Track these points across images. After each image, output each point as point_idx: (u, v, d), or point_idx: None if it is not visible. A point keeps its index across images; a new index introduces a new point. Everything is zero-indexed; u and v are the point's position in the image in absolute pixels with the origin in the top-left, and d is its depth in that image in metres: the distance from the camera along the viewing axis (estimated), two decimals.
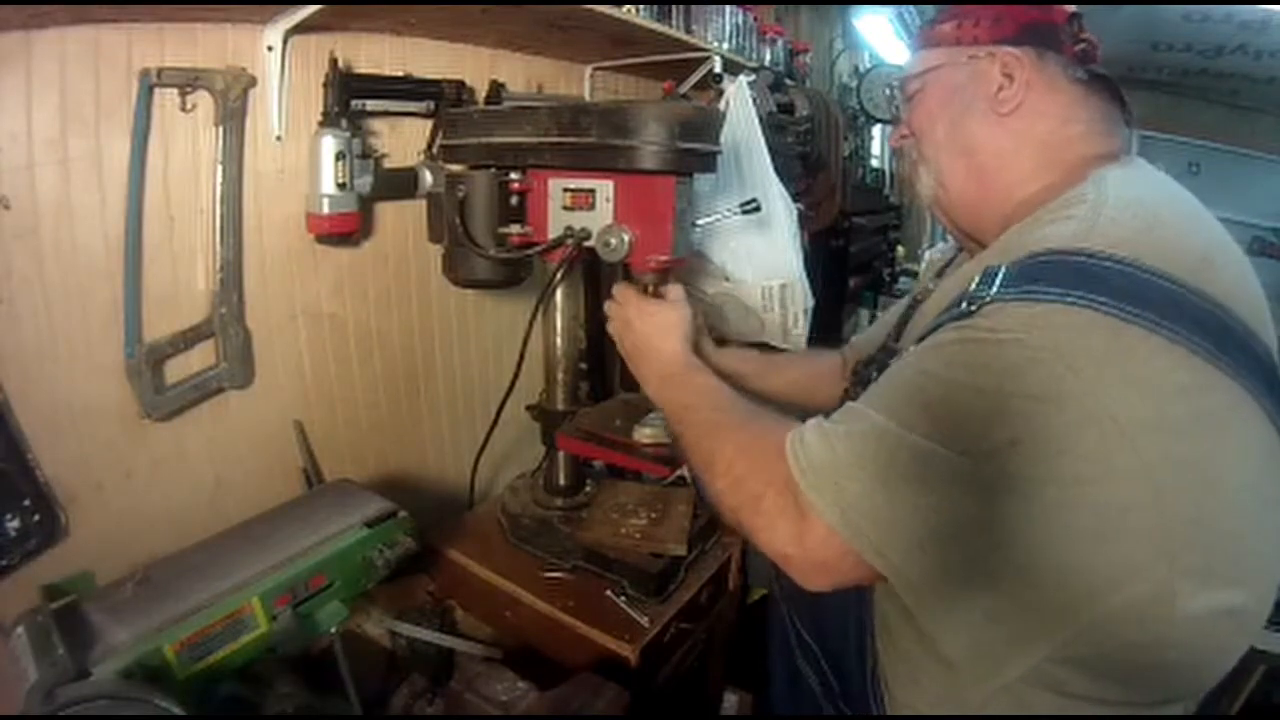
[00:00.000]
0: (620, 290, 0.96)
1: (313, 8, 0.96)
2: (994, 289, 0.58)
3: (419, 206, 1.21)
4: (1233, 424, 0.54)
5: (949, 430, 0.55)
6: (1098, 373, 0.52)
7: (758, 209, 1.07)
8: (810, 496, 0.59)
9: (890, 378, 0.64)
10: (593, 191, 0.92)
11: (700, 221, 0.99)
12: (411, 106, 1.21)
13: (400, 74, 1.21)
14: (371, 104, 1.15)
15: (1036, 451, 0.53)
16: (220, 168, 1.00)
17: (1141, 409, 0.52)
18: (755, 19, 1.88)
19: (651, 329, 0.91)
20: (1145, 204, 0.61)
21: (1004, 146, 0.74)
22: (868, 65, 3.15)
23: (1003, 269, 0.58)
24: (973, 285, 0.60)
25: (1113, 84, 0.74)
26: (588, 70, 1.63)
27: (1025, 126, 0.73)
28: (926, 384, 0.59)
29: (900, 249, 3.51)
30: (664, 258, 0.90)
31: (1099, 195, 0.61)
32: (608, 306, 0.98)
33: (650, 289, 0.94)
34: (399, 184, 1.20)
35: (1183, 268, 0.55)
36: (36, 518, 0.87)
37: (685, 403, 0.82)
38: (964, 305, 0.59)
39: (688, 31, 1.50)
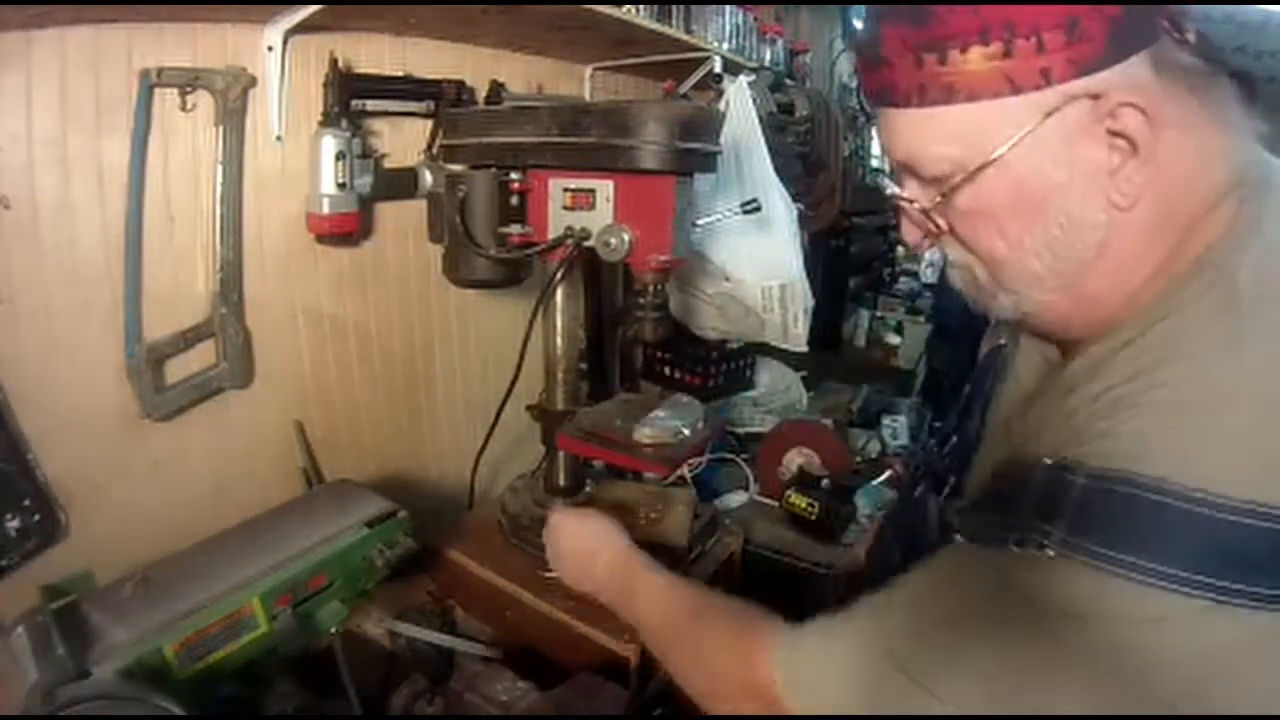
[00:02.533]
0: (548, 524, 0.94)
1: (313, 8, 0.96)
2: (1059, 529, 0.43)
3: (419, 206, 1.21)
4: None
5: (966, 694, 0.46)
6: None
7: (758, 209, 1.07)
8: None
9: (916, 598, 0.53)
10: (593, 191, 0.92)
11: (700, 221, 0.99)
12: (411, 106, 1.21)
13: (400, 74, 1.21)
14: (371, 104, 1.15)
15: None
16: (220, 168, 1.00)
17: None
18: (755, 19, 1.88)
19: (585, 544, 0.89)
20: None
21: (1128, 252, 0.49)
22: None
23: (1079, 485, 0.43)
24: (1039, 481, 0.46)
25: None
26: (588, 70, 1.63)
27: (1152, 210, 0.48)
28: (955, 638, 0.48)
29: (900, 249, 3.51)
30: (664, 258, 0.90)
31: (1231, 352, 0.41)
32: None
33: (654, 288, 0.94)
34: (399, 184, 1.20)
35: None
36: (36, 518, 0.87)
37: (637, 611, 0.78)
38: (1034, 529, 0.45)
39: (688, 32, 1.50)
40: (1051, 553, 0.43)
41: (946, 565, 0.53)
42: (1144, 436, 0.42)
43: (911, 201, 0.55)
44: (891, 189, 0.57)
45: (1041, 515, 0.44)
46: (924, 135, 0.51)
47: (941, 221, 0.54)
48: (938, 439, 0.92)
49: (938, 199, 0.52)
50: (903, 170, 0.55)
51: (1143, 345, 0.46)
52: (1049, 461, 0.46)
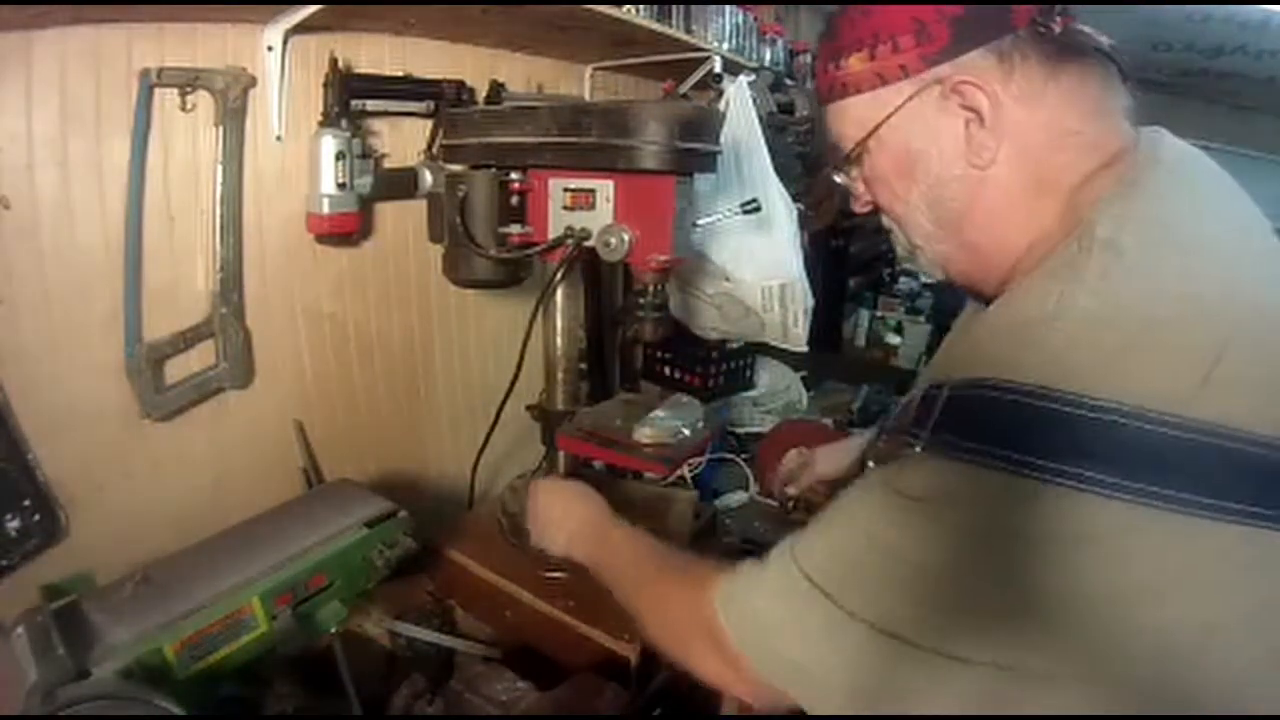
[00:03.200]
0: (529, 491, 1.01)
1: (313, 8, 0.96)
2: (927, 430, 0.52)
3: (419, 206, 1.21)
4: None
5: (864, 598, 0.54)
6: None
7: (758, 209, 1.07)
8: (738, 649, 0.61)
9: (827, 522, 0.60)
10: (593, 191, 0.92)
11: (700, 221, 0.99)
12: (411, 106, 1.21)
13: (400, 74, 1.21)
14: (371, 104, 1.14)
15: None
16: (220, 168, 1.00)
17: None
18: (755, 19, 1.88)
19: (561, 502, 0.97)
20: (1137, 291, 0.49)
21: (995, 205, 0.60)
22: None
23: (944, 395, 0.52)
24: (917, 400, 0.56)
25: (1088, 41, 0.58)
26: (588, 70, 1.63)
27: (1012, 168, 0.58)
28: (850, 545, 0.57)
29: (900, 249, 3.50)
30: (664, 257, 0.90)
31: (1074, 285, 0.50)
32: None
33: (654, 288, 0.94)
34: (399, 184, 1.20)
35: (1169, 396, 0.45)
36: (36, 518, 0.87)
37: (606, 561, 0.86)
38: (910, 435, 0.54)
39: (688, 31, 1.50)
40: (919, 449, 0.52)
41: (853, 491, 0.60)
42: (983, 351, 0.53)
43: (845, 179, 0.69)
44: (830, 172, 0.70)
45: (917, 424, 0.54)
46: (836, 123, 0.66)
47: (866, 194, 0.68)
48: None
49: (853, 173, 0.67)
50: (833, 154, 0.68)
51: (1011, 290, 0.56)
52: (927, 386, 0.56)
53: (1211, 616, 0.46)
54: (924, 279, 2.95)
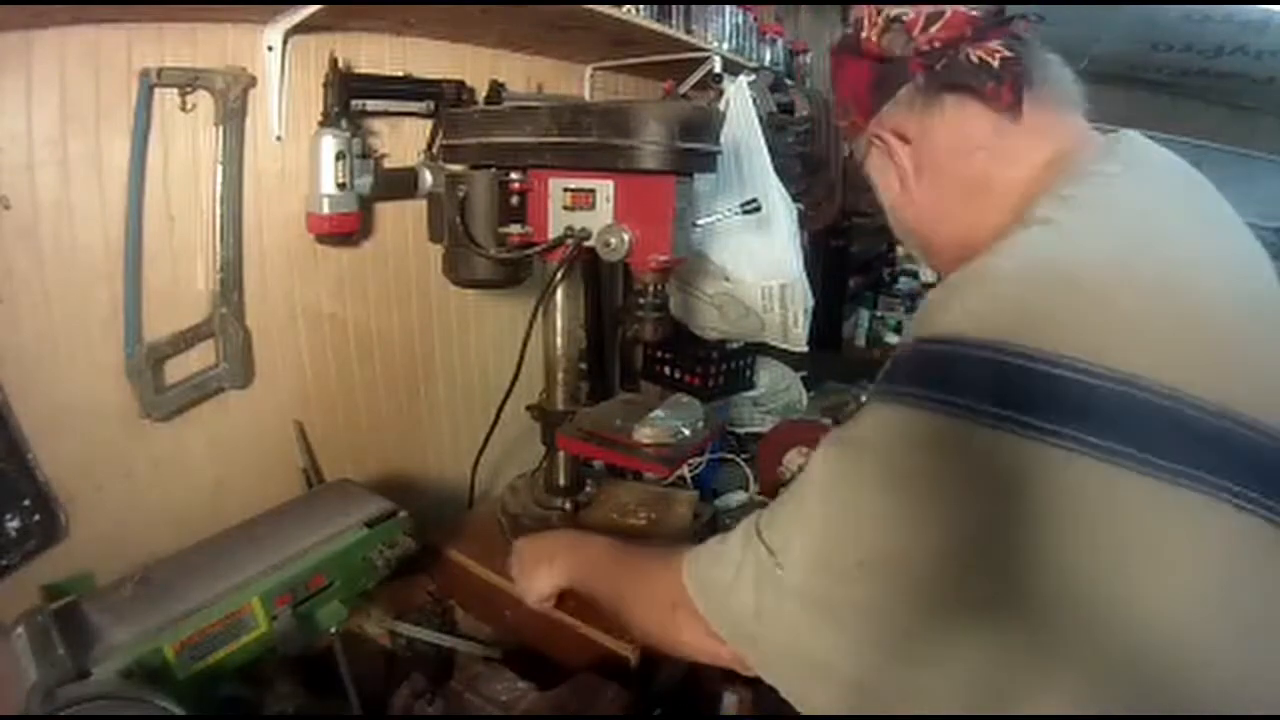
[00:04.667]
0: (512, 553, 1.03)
1: (313, 8, 0.96)
2: (879, 378, 0.58)
3: (419, 206, 1.21)
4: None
5: (804, 555, 0.58)
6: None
7: (758, 209, 1.07)
8: (704, 614, 0.65)
9: (789, 488, 0.64)
10: (593, 191, 0.92)
11: (700, 221, 0.99)
12: (411, 106, 1.21)
13: (400, 74, 1.21)
14: (371, 104, 1.14)
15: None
16: (220, 168, 1.00)
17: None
18: (755, 19, 1.88)
19: (543, 545, 1.00)
20: (1061, 256, 0.54)
21: (934, 216, 0.72)
22: None
23: (893, 359, 0.58)
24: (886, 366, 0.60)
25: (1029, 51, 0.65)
26: (588, 70, 1.63)
27: (935, 186, 0.70)
28: (802, 501, 0.61)
29: (900, 249, 3.51)
30: (664, 258, 0.90)
31: (997, 254, 0.56)
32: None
33: (654, 288, 0.94)
34: (399, 184, 1.20)
35: (1085, 347, 0.49)
36: (36, 518, 0.87)
37: (590, 573, 0.91)
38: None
39: (688, 31, 1.50)
40: (864, 396, 0.62)
41: (814, 454, 0.63)
42: (918, 318, 0.60)
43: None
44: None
45: (872, 380, 0.61)
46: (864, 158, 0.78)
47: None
48: None
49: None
50: None
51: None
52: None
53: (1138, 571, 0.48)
54: (924, 279, 2.96)
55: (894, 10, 0.67)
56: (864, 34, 0.69)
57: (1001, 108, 0.64)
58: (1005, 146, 0.65)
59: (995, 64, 0.63)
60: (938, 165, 0.69)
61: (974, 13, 0.65)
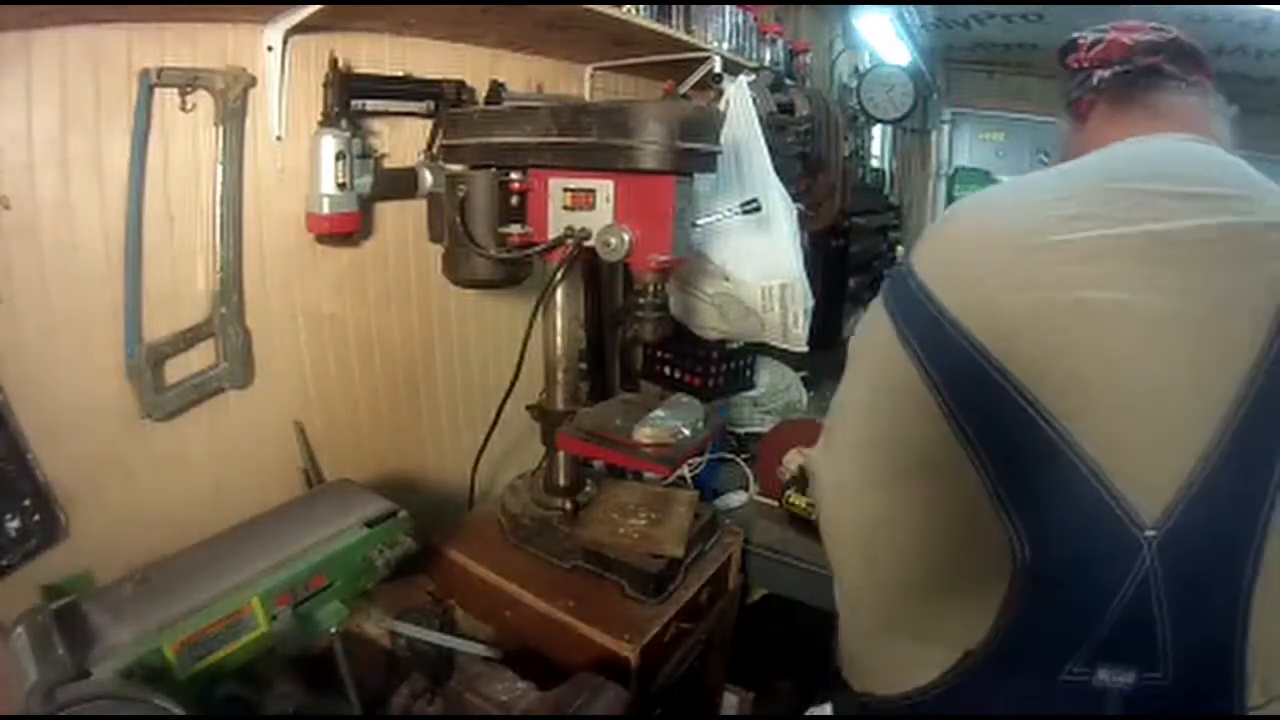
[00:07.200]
0: None
1: (313, 8, 0.96)
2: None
3: (419, 206, 1.21)
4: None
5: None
6: None
7: (758, 209, 1.07)
8: None
9: None
10: (593, 191, 0.92)
11: (700, 221, 0.99)
12: (411, 106, 1.21)
13: (400, 74, 1.21)
14: (371, 104, 1.15)
15: None
16: (220, 168, 1.00)
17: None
18: (755, 19, 1.88)
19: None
20: (957, 208, 0.78)
21: None
22: (868, 65, 3.15)
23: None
24: None
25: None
26: (588, 70, 1.63)
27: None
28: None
29: (900, 249, 3.51)
30: (664, 258, 0.90)
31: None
32: None
33: (654, 288, 0.94)
34: (399, 184, 1.20)
35: (928, 272, 0.71)
36: (36, 518, 0.87)
37: None
38: None
39: (688, 31, 1.50)
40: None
41: None
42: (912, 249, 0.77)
43: None
44: None
45: None
46: None
47: None
48: None
49: None
50: None
51: None
52: None
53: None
54: None
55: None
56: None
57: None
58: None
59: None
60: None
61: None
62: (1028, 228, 0.67)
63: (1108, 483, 0.61)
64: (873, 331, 0.75)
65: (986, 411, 0.65)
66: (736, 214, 1.06)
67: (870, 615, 0.80)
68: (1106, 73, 0.84)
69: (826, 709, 1.16)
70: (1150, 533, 0.61)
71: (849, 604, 0.83)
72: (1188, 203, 0.65)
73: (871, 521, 0.74)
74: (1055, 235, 0.66)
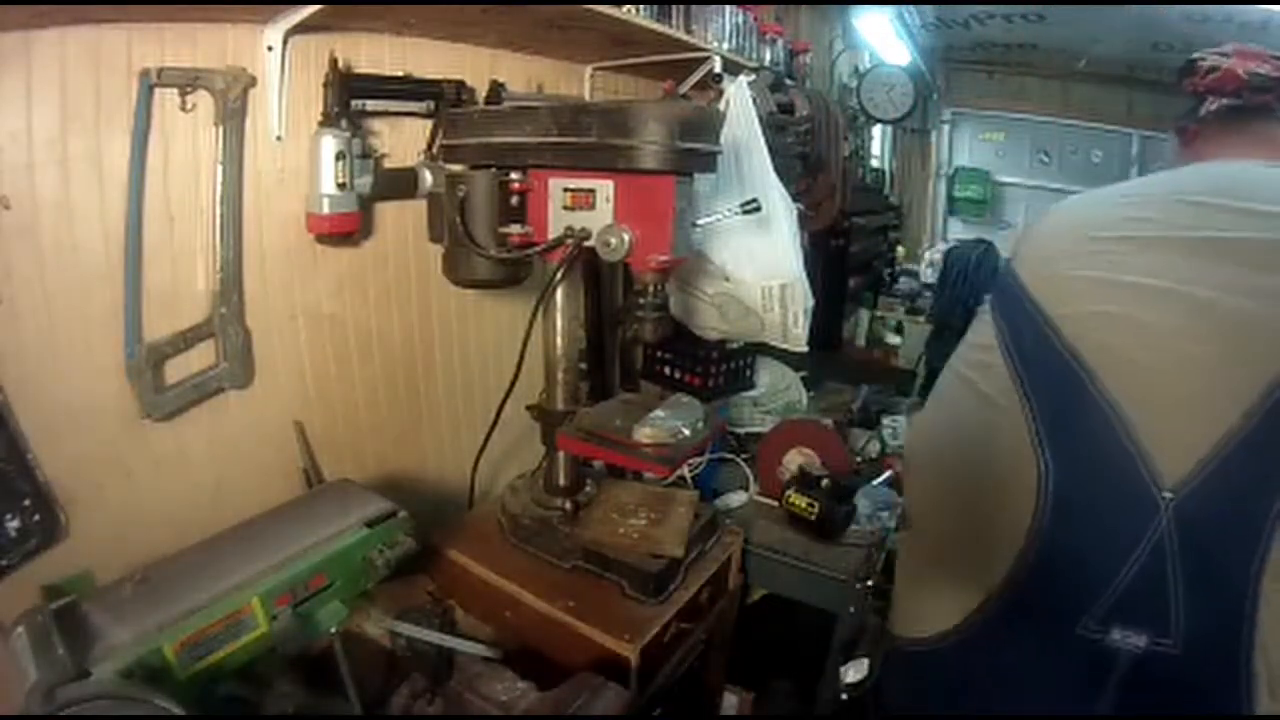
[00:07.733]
0: None
1: (313, 8, 0.96)
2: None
3: (419, 206, 1.21)
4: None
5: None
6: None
7: (758, 209, 1.07)
8: None
9: None
10: (593, 191, 0.92)
11: (700, 221, 0.99)
12: (411, 106, 1.21)
13: (400, 74, 1.21)
14: (371, 104, 1.15)
15: None
16: (220, 168, 1.00)
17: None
18: (755, 19, 1.88)
19: None
20: (1048, 210, 0.89)
21: None
22: (868, 65, 3.15)
23: None
24: None
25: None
26: (588, 70, 1.63)
27: None
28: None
29: (900, 249, 3.51)
30: (664, 258, 0.90)
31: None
32: None
33: (654, 288, 0.94)
34: (399, 184, 1.20)
35: (1018, 258, 0.86)
36: (36, 518, 0.87)
37: None
38: None
39: (688, 31, 1.50)
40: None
41: None
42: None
43: None
44: None
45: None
46: None
47: None
48: None
49: None
50: None
51: None
52: None
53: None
54: (924, 279, 2.96)
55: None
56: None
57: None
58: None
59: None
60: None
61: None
62: (1099, 223, 0.80)
63: (1135, 438, 0.70)
64: (985, 307, 0.89)
65: (1038, 361, 0.77)
66: (736, 214, 1.06)
67: (919, 544, 0.95)
68: (1214, 105, 0.90)
69: (864, 664, 1.20)
70: (1168, 494, 0.68)
71: (912, 533, 0.97)
72: (1247, 218, 0.72)
73: (939, 447, 0.92)
74: (1120, 231, 0.77)
